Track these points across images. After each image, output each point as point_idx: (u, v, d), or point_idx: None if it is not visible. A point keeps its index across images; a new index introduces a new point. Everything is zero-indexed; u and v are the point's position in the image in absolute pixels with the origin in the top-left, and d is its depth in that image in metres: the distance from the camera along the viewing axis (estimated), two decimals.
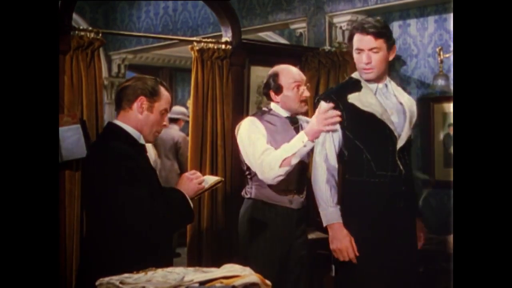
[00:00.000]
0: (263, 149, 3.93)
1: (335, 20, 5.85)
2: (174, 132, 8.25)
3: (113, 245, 3.06)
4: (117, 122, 3.23)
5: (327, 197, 3.70)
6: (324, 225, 3.73)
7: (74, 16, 7.62)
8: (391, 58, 3.79)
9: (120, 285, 2.32)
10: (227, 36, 5.09)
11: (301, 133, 3.86)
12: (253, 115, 4.23)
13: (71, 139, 4.00)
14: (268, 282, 2.37)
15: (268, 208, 4.06)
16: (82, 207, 3.99)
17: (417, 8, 5.59)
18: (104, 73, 8.50)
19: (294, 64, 5.42)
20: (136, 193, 3.01)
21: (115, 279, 2.37)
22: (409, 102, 3.84)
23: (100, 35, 4.42)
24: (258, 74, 5.28)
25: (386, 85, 3.82)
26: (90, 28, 4.48)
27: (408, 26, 5.64)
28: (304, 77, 4.19)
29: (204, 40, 5.12)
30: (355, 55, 3.75)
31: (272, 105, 4.18)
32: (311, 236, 4.85)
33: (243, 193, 4.20)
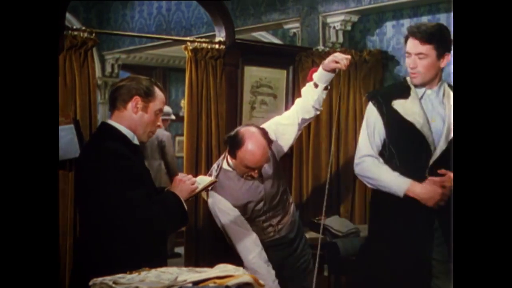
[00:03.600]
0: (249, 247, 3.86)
1: (329, 20, 5.86)
2: (158, 131, 8.19)
3: (106, 245, 3.05)
4: (111, 122, 3.22)
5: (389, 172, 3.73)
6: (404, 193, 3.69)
7: (68, 15, 7.63)
8: (443, 65, 3.69)
9: (114, 285, 2.32)
10: (220, 36, 5.10)
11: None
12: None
13: (65, 139, 4.00)
14: (261, 282, 2.37)
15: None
16: (75, 207, 3.99)
17: (410, 8, 5.60)
18: (98, 72, 8.49)
19: (288, 65, 5.44)
20: (130, 193, 3.00)
21: (108, 279, 2.37)
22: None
23: (94, 34, 4.42)
24: (252, 74, 5.28)
25: (437, 92, 3.73)
26: (83, 28, 4.48)
27: (402, 26, 5.65)
28: (262, 163, 3.82)
29: (197, 40, 5.12)
30: (406, 58, 3.73)
31: (228, 156, 3.90)
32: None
33: None
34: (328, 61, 3.88)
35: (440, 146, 3.65)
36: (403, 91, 3.76)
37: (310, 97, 4.02)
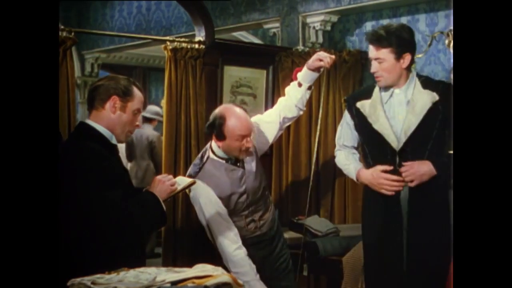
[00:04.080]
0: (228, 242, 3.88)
1: (309, 20, 5.87)
2: (148, 131, 8.24)
3: (85, 245, 3.04)
4: (89, 122, 3.21)
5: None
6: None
7: None
8: (404, 66, 3.72)
9: (92, 286, 2.31)
10: (200, 35, 5.10)
11: None
12: (197, 175, 3.87)
13: None
14: (240, 282, 2.37)
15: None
16: None
17: (390, 8, 5.62)
18: (77, 72, 8.45)
19: (268, 65, 5.45)
20: (108, 193, 2.99)
21: (86, 279, 2.36)
22: (424, 102, 3.75)
23: (73, 34, 4.40)
24: (232, 73, 5.29)
25: (405, 90, 3.78)
26: (62, 27, 4.46)
27: None
28: (251, 128, 3.87)
29: (177, 39, 5.12)
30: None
31: (213, 145, 3.93)
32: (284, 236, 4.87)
33: None
34: (313, 59, 3.95)
35: (401, 141, 3.73)
36: (369, 92, 3.87)
37: (294, 96, 4.06)
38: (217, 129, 3.82)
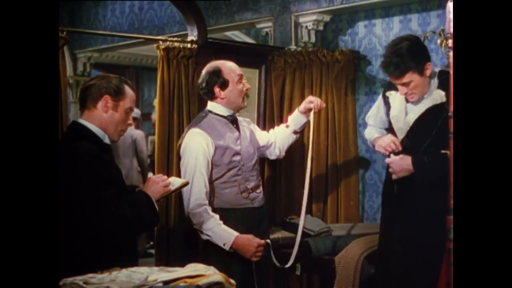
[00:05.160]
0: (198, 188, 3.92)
1: (301, 19, 5.87)
2: (131, 130, 8.36)
3: (77, 244, 3.04)
4: (82, 121, 3.21)
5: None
6: None
7: None
8: (429, 73, 3.81)
9: (84, 285, 2.30)
10: (193, 35, 5.09)
11: None
12: (196, 125, 4.04)
13: None
14: (232, 281, 2.37)
15: (232, 214, 4.03)
16: None
17: (382, 8, 5.62)
18: (70, 71, 8.44)
19: (260, 64, 5.46)
20: (101, 193, 2.99)
21: (78, 279, 2.35)
22: (428, 101, 3.88)
23: (65, 33, 4.39)
24: None
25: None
26: None
27: (374, 26, 5.68)
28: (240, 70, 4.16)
29: (170, 39, 5.11)
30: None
31: (211, 106, 4.09)
32: (276, 235, 4.87)
33: None
34: (304, 101, 4.23)
35: (402, 134, 3.92)
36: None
37: (279, 135, 4.35)
38: (217, 79, 4.01)
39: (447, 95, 3.66)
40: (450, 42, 2.88)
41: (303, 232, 4.88)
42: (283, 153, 4.39)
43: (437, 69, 3.95)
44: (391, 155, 3.90)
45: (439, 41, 4.90)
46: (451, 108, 2.70)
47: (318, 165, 5.51)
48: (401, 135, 3.88)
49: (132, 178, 8.24)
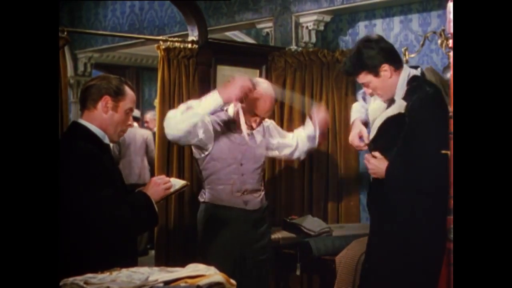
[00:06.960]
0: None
1: (302, 20, 5.87)
2: (142, 130, 8.66)
3: (76, 244, 3.04)
4: (82, 122, 3.21)
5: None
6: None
7: None
8: (389, 76, 3.60)
9: (84, 285, 2.30)
10: (193, 35, 5.09)
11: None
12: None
13: None
14: (233, 281, 2.37)
15: (222, 211, 4.05)
16: None
17: (383, 8, 5.63)
18: (70, 71, 8.44)
19: (261, 64, 5.46)
20: (100, 193, 2.99)
21: (79, 279, 2.35)
22: (387, 112, 3.71)
23: (65, 33, 4.39)
24: (225, 73, 5.27)
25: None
26: None
27: (374, 27, 5.68)
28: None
29: (170, 39, 5.11)
30: None
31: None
32: (276, 235, 4.87)
33: (199, 197, 4.20)
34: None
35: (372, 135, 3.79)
36: None
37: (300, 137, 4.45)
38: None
39: (410, 105, 3.53)
40: (451, 42, 2.88)
41: (304, 232, 4.91)
42: (303, 156, 4.51)
43: (413, 73, 3.69)
44: (367, 154, 3.78)
45: (439, 41, 4.91)
46: (451, 108, 2.69)
47: (318, 164, 5.50)
48: (372, 133, 3.75)
49: (145, 176, 8.40)
